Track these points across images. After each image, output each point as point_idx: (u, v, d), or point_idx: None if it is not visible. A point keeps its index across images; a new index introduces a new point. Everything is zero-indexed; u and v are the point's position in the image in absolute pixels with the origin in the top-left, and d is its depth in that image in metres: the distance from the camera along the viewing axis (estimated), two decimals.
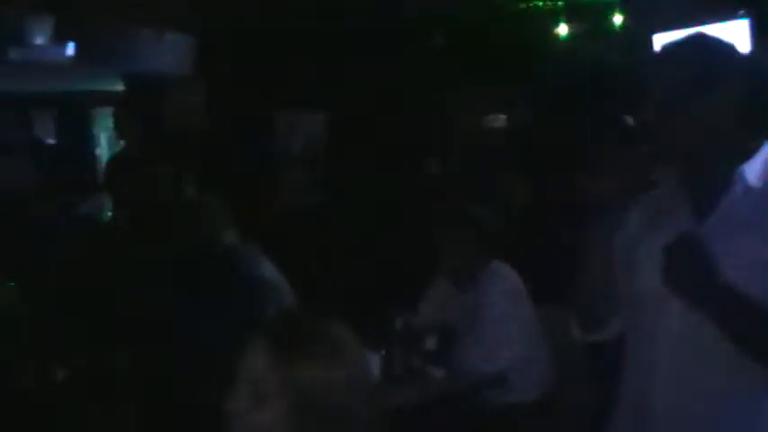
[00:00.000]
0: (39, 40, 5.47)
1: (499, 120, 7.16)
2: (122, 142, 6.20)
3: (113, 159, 5.93)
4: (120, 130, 5.51)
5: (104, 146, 6.47)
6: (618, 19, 6.46)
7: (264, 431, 1.67)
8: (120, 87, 6.02)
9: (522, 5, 6.48)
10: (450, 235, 3.96)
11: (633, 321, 2.24)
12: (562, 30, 6.63)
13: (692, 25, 3.95)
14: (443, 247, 3.97)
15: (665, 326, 2.13)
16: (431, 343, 3.80)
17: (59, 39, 5.51)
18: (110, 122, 6.38)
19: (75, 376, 3.86)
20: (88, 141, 6.33)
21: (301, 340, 1.72)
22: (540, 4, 6.54)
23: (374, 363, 3.32)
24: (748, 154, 2.06)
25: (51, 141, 6.28)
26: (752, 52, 4.96)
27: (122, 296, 3.83)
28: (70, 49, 5.71)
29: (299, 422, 1.67)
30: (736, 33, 5.30)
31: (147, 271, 3.83)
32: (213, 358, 2.52)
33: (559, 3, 6.55)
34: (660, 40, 5.19)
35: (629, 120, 3.58)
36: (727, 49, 2.11)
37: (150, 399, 3.48)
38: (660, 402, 2.11)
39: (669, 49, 2.15)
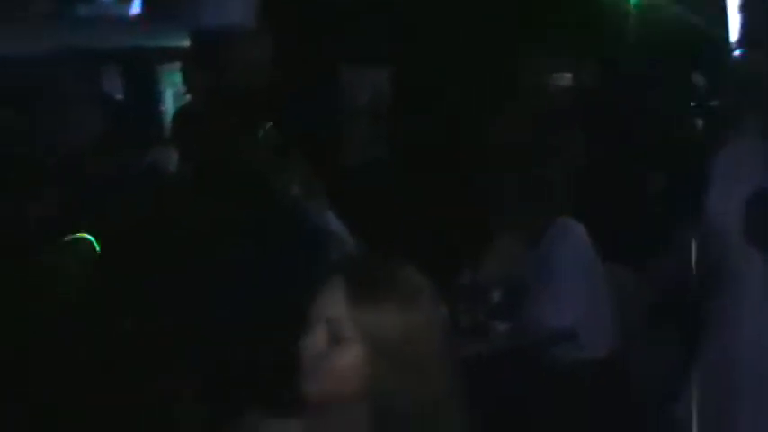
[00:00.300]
0: None
1: (565, 78, 7.08)
2: (188, 97, 6.24)
3: (179, 113, 5.96)
4: (187, 84, 5.51)
5: (170, 102, 6.51)
6: None
7: (341, 374, 1.65)
8: (186, 43, 6.02)
9: None
10: (517, 189, 3.92)
11: (714, 275, 2.20)
12: None
13: None
14: (511, 202, 3.93)
15: (746, 278, 2.08)
16: (497, 297, 3.78)
17: None
18: (176, 78, 6.42)
19: (138, 330, 3.89)
20: (154, 97, 6.36)
21: (380, 283, 1.69)
22: None
23: None
24: None
25: (119, 97, 6.33)
26: None
27: (187, 251, 3.84)
28: (136, 4, 5.73)
29: (375, 366, 1.65)
30: None
31: (213, 224, 3.83)
32: (282, 307, 2.51)
33: None
34: None
35: (699, 78, 3.51)
36: None
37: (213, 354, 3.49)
38: (748, 356, 2.06)
39: None
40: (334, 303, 1.66)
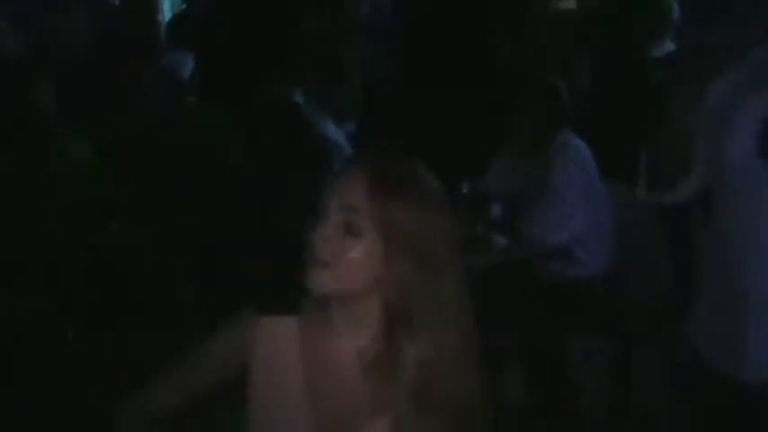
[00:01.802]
0: None
1: (569, 2, 6.99)
2: (184, 5, 6.16)
3: (176, 18, 5.91)
4: None
5: (167, 8, 6.42)
6: None
7: (355, 262, 1.63)
8: None
9: None
10: (521, 102, 3.87)
11: (722, 192, 2.18)
12: None
13: None
14: (514, 115, 3.89)
15: (758, 197, 2.07)
16: (496, 210, 3.76)
17: None
18: None
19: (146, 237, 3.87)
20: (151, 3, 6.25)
21: (399, 177, 1.66)
22: None
23: None
24: None
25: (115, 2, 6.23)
26: None
27: (197, 152, 3.82)
28: None
29: (389, 258, 1.63)
30: None
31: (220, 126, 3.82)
32: (290, 205, 2.50)
33: None
34: None
35: None
36: None
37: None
38: (761, 279, 2.06)
39: None
40: (350, 193, 1.64)
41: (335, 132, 3.86)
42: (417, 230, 1.63)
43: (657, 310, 3.71)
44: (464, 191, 3.73)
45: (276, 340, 1.75)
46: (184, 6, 6.17)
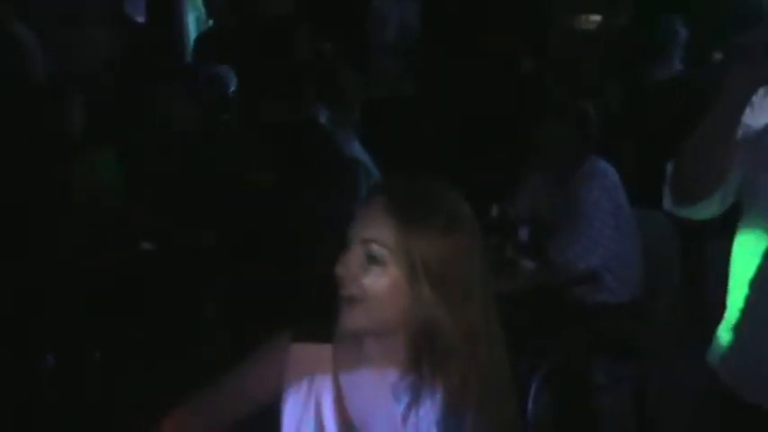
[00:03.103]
0: None
1: (593, 21, 6.97)
2: (211, 22, 6.18)
3: (202, 37, 5.93)
4: (210, 9, 5.50)
5: (192, 27, 6.43)
6: None
7: (381, 295, 1.60)
8: None
9: None
10: (549, 125, 3.84)
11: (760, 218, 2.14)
12: None
13: None
14: (542, 138, 3.85)
15: None
16: (524, 234, 3.73)
17: None
18: (198, 3, 6.35)
19: (161, 251, 3.87)
20: (177, 21, 6.28)
21: (422, 204, 1.63)
22: None
23: None
24: None
25: (140, 20, 6.26)
26: None
27: (219, 174, 3.82)
28: None
29: (415, 288, 1.60)
30: None
31: (242, 144, 3.81)
32: (314, 228, 2.48)
33: None
34: None
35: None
36: None
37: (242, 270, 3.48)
38: None
39: None
40: (371, 224, 1.61)
41: (361, 152, 3.86)
42: (442, 259, 1.60)
43: (679, 334, 3.69)
44: (493, 214, 3.70)
45: (308, 368, 1.73)
46: (211, 23, 6.20)
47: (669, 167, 2.17)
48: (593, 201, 3.72)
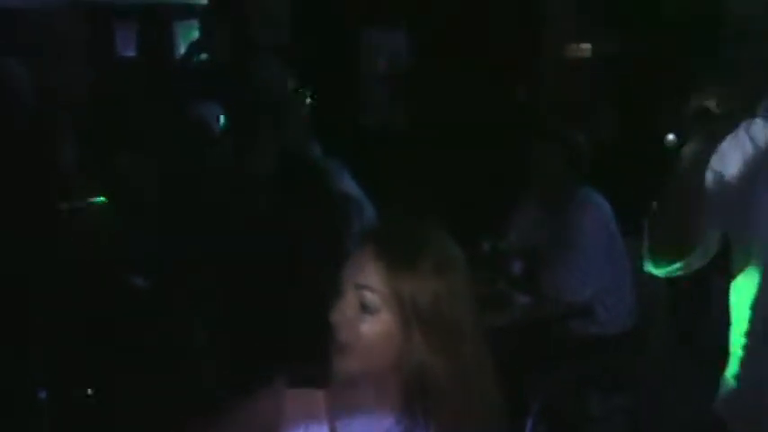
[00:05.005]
0: None
1: (585, 49, 6.99)
2: (204, 55, 6.17)
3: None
4: (207, 40, 5.49)
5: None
6: None
7: (373, 341, 1.61)
8: None
9: None
10: (541, 154, 3.83)
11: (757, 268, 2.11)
12: None
13: None
14: (534, 168, 3.85)
15: None
16: (517, 267, 3.72)
17: None
18: (192, 34, 6.35)
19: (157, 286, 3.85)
20: (170, 53, 6.29)
21: (410, 249, 1.63)
22: None
23: None
24: None
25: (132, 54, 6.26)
26: None
27: (209, 211, 3.80)
28: None
29: (407, 332, 1.60)
30: None
31: (242, 182, 3.80)
32: (308, 269, 2.47)
33: None
34: None
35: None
36: None
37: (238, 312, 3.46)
38: None
39: None
40: (361, 270, 1.62)
41: (353, 187, 3.85)
42: (432, 301, 1.61)
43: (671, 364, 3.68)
44: (485, 248, 3.69)
45: (304, 414, 1.73)
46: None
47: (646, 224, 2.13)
48: (586, 234, 3.72)
